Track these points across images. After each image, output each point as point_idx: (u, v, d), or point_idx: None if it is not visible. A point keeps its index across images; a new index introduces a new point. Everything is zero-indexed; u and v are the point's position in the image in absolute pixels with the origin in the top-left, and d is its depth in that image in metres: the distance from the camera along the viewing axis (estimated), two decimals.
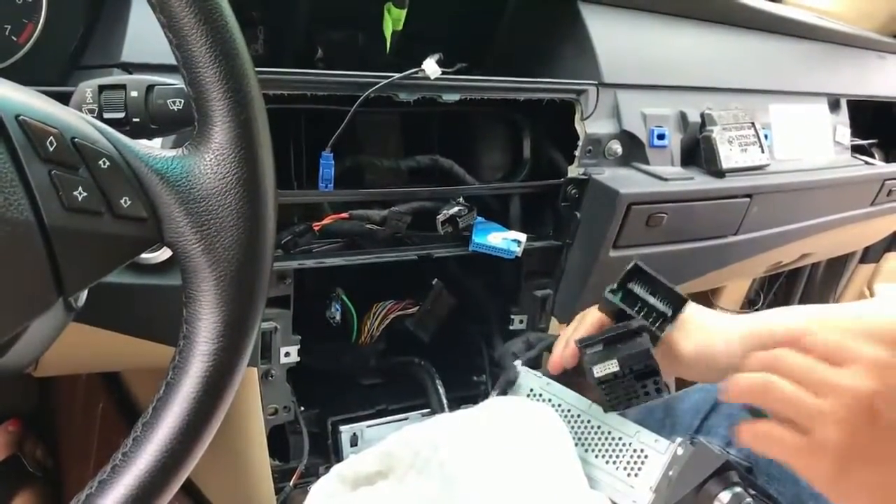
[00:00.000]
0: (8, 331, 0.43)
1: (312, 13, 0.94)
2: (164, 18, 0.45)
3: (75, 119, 0.44)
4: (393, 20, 0.89)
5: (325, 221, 0.83)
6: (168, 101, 0.54)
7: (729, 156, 1.01)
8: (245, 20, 0.92)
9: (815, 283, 1.74)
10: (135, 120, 0.54)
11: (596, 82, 0.94)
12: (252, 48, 0.93)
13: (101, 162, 0.43)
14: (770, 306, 1.76)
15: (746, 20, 1.15)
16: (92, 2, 0.73)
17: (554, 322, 1.02)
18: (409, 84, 0.83)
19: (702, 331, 0.73)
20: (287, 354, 0.85)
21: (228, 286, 0.46)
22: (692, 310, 0.73)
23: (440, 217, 0.90)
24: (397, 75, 0.81)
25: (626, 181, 0.92)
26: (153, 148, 0.46)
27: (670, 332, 0.70)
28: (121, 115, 0.54)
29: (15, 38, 0.71)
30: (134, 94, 0.54)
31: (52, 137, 0.42)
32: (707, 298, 1.60)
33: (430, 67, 0.82)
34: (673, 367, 0.73)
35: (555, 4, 0.97)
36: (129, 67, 0.68)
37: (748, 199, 1.02)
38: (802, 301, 1.74)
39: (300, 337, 0.85)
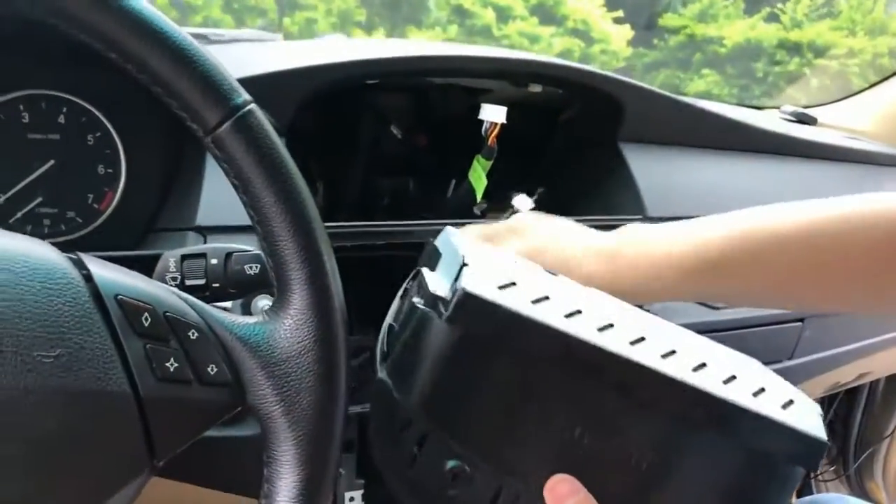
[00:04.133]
0: (103, 499, 0.45)
1: (368, 164, 1.00)
2: (247, 198, 0.49)
3: (166, 294, 0.47)
4: (482, 168, 0.93)
5: None
6: (245, 267, 0.58)
7: None
8: (305, 176, 0.98)
9: (877, 398, 1.70)
10: (214, 285, 0.58)
11: (640, 216, 0.97)
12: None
13: (190, 333, 0.46)
14: (831, 424, 1.72)
15: (783, 148, 1.18)
16: (167, 171, 0.79)
17: None
18: None
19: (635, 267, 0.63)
20: (352, 500, 0.85)
21: (307, 446, 0.48)
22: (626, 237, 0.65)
23: None
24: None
25: (678, 313, 0.93)
26: (237, 316, 0.49)
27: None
28: (201, 281, 0.58)
29: (97, 206, 0.77)
30: (214, 261, 0.58)
31: (146, 313, 0.45)
32: None
33: (523, 203, 0.85)
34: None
35: (597, 144, 1.02)
36: (204, 230, 0.73)
37: (800, 324, 1.02)
38: (865, 418, 1.70)
39: (363, 481, 0.86)
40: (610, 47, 7.37)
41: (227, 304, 0.68)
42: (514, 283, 0.47)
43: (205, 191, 0.75)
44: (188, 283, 0.58)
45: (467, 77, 0.92)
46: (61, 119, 0.76)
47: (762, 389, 0.49)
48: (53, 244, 0.74)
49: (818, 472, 1.76)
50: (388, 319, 0.55)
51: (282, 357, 0.48)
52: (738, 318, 0.96)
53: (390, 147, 1.02)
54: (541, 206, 1.05)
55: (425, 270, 0.52)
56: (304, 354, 0.48)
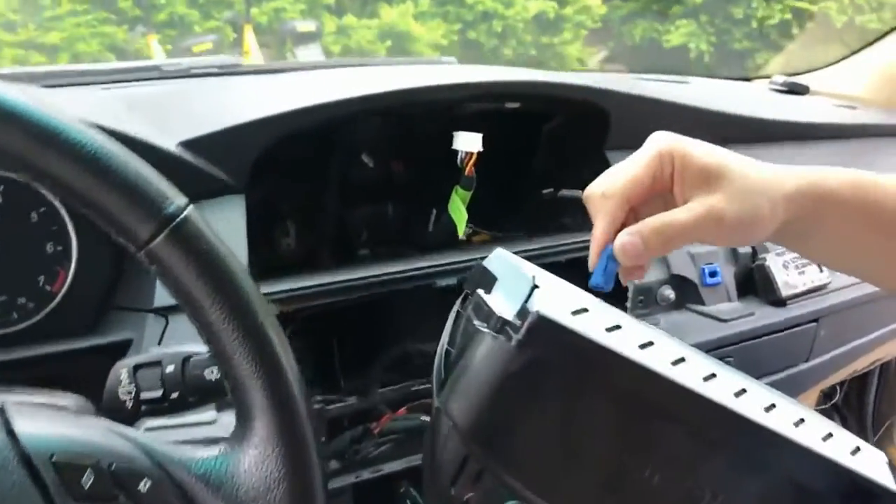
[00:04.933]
0: None
1: (342, 196, 0.93)
2: (191, 315, 0.43)
3: (109, 439, 0.41)
4: (461, 200, 0.87)
5: (383, 422, 0.80)
6: (205, 372, 0.52)
7: (787, 281, 0.96)
8: (274, 215, 0.92)
9: (890, 374, 1.66)
10: (172, 396, 0.52)
11: None
12: (284, 242, 0.92)
13: (141, 485, 0.40)
14: (846, 398, 1.68)
15: (775, 133, 1.12)
16: (118, 248, 0.72)
17: None
18: None
19: (746, 193, 0.58)
20: None
21: None
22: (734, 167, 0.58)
23: None
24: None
25: (685, 330, 0.88)
26: (195, 450, 0.44)
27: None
28: (158, 393, 0.52)
29: (49, 288, 0.71)
30: (170, 368, 0.52)
31: (88, 471, 0.39)
32: None
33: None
34: (716, 234, 0.59)
35: (583, 154, 0.96)
36: (165, 311, 0.67)
37: (815, 324, 0.97)
38: (880, 390, 1.66)
39: None
40: (584, 3, 7.24)
41: None
42: (585, 310, 0.44)
43: None
44: (144, 395, 0.52)
45: (441, 105, 0.85)
46: None
47: (830, 434, 0.47)
48: (5, 336, 0.70)
49: None
50: (443, 343, 0.50)
51: (249, 495, 0.42)
52: (749, 329, 0.91)
53: (363, 176, 0.95)
54: (529, 220, 1.00)
55: (481, 292, 0.47)
56: (274, 490, 0.43)
